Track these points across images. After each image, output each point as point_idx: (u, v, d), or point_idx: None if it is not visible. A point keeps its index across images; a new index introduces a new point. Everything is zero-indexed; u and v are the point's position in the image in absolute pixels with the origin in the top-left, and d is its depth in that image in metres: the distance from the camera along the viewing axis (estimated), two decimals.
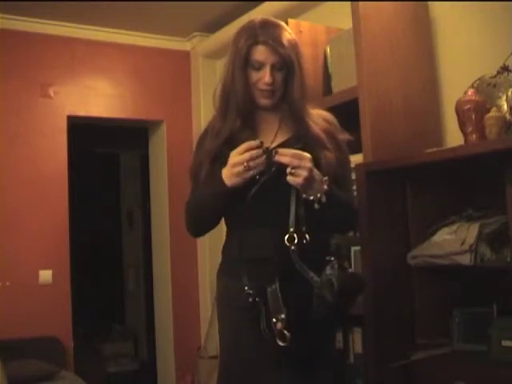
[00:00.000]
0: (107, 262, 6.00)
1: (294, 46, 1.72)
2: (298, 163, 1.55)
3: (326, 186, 1.60)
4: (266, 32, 1.69)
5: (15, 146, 3.68)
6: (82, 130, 4.16)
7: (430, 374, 2.04)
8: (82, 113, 3.93)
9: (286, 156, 1.57)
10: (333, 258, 1.58)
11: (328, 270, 1.54)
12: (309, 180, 1.56)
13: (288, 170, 1.56)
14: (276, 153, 1.57)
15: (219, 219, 1.81)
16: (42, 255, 3.67)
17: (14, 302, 3.52)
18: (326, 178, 1.62)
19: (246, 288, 1.58)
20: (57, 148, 3.81)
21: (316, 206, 1.60)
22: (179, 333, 4.08)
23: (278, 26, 1.73)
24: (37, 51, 3.80)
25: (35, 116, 3.77)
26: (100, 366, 5.07)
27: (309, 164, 1.56)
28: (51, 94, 3.82)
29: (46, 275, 3.67)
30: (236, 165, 1.59)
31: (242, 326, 1.66)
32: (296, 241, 1.57)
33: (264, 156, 1.57)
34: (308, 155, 1.58)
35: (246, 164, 1.57)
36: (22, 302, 3.55)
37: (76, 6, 3.56)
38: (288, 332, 1.51)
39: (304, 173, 1.55)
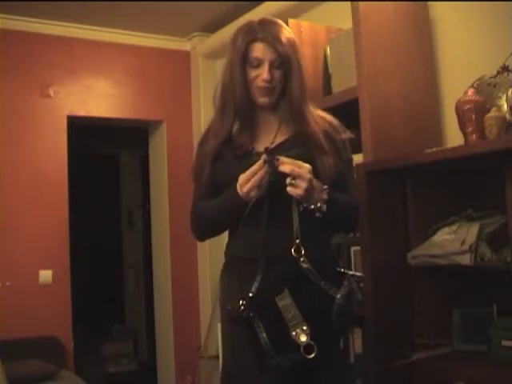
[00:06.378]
0: (107, 262, 6.00)
1: (293, 43, 1.71)
2: (298, 173, 1.55)
3: (325, 195, 1.60)
4: (265, 29, 1.69)
5: (15, 146, 3.68)
6: (82, 130, 4.16)
7: (430, 373, 2.04)
8: (82, 113, 3.93)
9: (287, 165, 1.56)
10: (343, 270, 1.61)
11: (346, 282, 1.56)
12: (308, 191, 1.56)
13: (288, 180, 1.55)
14: (278, 161, 1.56)
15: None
16: (41, 255, 3.67)
17: (14, 302, 3.52)
18: (326, 186, 1.61)
19: (241, 302, 1.54)
20: (57, 148, 3.80)
21: (317, 214, 1.60)
22: (179, 333, 4.08)
23: (276, 24, 1.73)
24: (37, 51, 3.80)
25: (35, 116, 3.76)
26: (100, 365, 5.07)
27: (308, 175, 1.56)
28: (51, 93, 3.82)
29: (46, 275, 3.67)
30: (249, 191, 1.59)
31: (241, 335, 1.62)
32: (303, 251, 1.57)
33: (269, 167, 1.57)
34: (308, 166, 1.57)
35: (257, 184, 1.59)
36: (22, 302, 3.55)
37: (76, 6, 3.56)
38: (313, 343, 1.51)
39: (304, 184, 1.54)
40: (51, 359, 3.33)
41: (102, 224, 5.91)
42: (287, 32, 1.72)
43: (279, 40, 1.68)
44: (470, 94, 2.03)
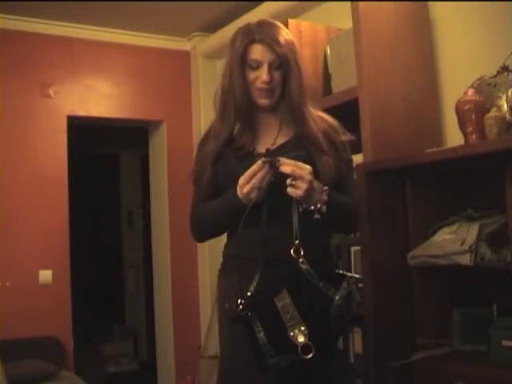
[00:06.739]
0: (107, 262, 6.00)
1: (291, 44, 1.72)
2: (298, 174, 1.55)
3: (325, 197, 1.60)
4: (263, 31, 1.70)
5: (15, 146, 3.68)
6: (82, 130, 4.16)
7: (430, 373, 2.04)
8: (81, 113, 3.93)
9: (287, 166, 1.56)
10: (342, 271, 1.61)
11: (344, 284, 1.56)
12: (309, 192, 1.56)
13: (288, 181, 1.55)
14: (278, 161, 1.56)
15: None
16: (42, 255, 3.67)
17: (14, 301, 3.52)
18: (326, 187, 1.61)
19: (240, 301, 1.53)
20: (57, 148, 3.81)
21: (316, 215, 1.60)
22: (179, 333, 4.08)
23: (274, 26, 1.73)
24: (37, 51, 3.80)
25: (35, 116, 3.76)
26: (100, 365, 5.07)
27: (309, 176, 1.56)
28: (51, 93, 3.82)
29: (46, 275, 3.67)
30: (249, 193, 1.59)
31: (239, 334, 1.61)
32: (302, 252, 1.57)
33: (269, 169, 1.57)
34: (308, 167, 1.57)
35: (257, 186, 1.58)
36: (22, 302, 3.55)
37: (76, 6, 3.56)
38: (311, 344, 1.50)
39: (304, 185, 1.54)
40: (51, 359, 3.33)
41: (101, 224, 5.91)
42: (285, 33, 1.73)
43: (277, 41, 1.68)
44: (470, 93, 2.03)
